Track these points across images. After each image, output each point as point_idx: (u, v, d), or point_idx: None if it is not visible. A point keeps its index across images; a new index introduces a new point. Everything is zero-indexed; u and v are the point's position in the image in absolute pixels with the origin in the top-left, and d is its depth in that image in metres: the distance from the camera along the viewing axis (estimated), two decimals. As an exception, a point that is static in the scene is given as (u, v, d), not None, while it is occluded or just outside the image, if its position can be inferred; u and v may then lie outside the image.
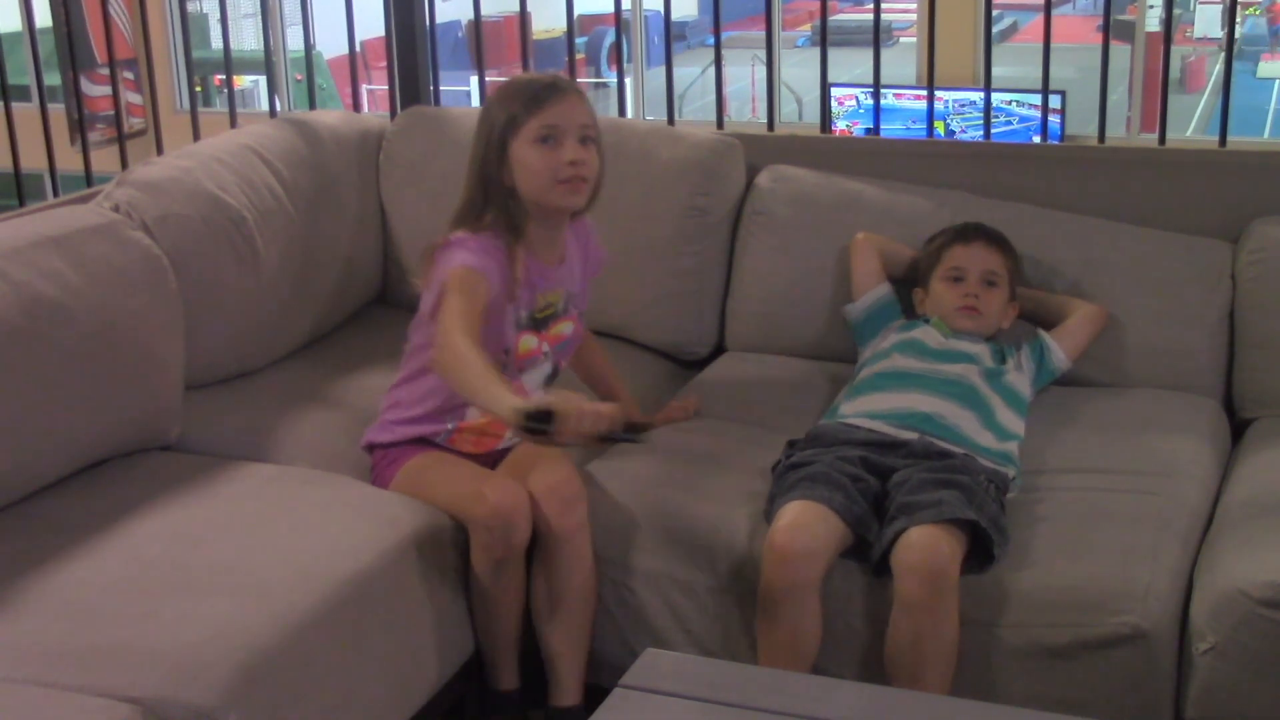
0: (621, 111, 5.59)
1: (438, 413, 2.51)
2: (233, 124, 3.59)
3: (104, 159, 3.69)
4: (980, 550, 2.23)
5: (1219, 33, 10.74)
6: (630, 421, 2.19)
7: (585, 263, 2.62)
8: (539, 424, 2.08)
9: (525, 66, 3.88)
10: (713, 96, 3.68)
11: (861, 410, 2.54)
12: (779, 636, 2.25)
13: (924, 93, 3.89)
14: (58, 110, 4.64)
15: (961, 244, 2.76)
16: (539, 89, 2.42)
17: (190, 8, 5.44)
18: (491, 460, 2.52)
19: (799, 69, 10.45)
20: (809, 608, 2.24)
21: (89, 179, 3.49)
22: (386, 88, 3.87)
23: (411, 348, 2.56)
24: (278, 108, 4.15)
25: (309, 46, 4.22)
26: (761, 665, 2.26)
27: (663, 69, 3.73)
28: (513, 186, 2.42)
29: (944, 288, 2.74)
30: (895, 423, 2.47)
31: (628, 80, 9.38)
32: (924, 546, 2.18)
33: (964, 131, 8.33)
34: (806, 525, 2.24)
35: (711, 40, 3.77)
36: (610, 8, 3.75)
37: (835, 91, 8.55)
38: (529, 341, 2.50)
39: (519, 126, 2.40)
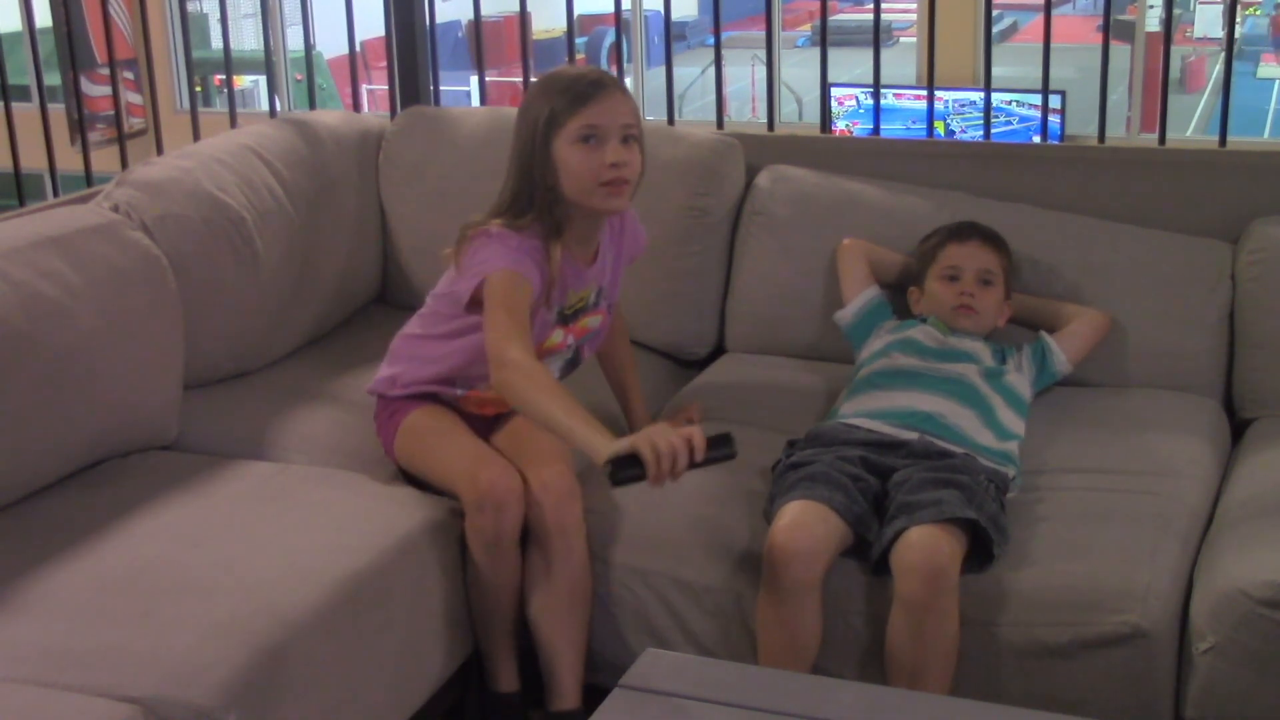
0: (621, 111, 5.58)
1: (449, 381, 2.51)
2: (233, 124, 3.59)
3: (104, 159, 3.69)
4: (980, 550, 2.23)
5: (1219, 33, 10.73)
6: (712, 436, 2.09)
7: (620, 251, 2.59)
8: (627, 471, 2.04)
9: (525, 66, 3.87)
10: (713, 96, 3.68)
11: (861, 410, 2.54)
12: (779, 636, 2.25)
13: (924, 93, 3.89)
14: (58, 110, 4.63)
15: (957, 242, 2.76)
16: (583, 86, 2.35)
17: (190, 8, 5.43)
18: (488, 426, 2.53)
19: (799, 69, 10.45)
20: (809, 608, 2.24)
21: (89, 179, 3.49)
22: (386, 88, 3.87)
23: (429, 311, 2.54)
24: (278, 108, 4.15)
25: (309, 46, 4.22)
26: (761, 665, 2.26)
27: (663, 69, 3.73)
28: (555, 185, 2.37)
29: (940, 286, 2.74)
30: (896, 422, 2.47)
31: (628, 80, 9.38)
32: (924, 546, 2.18)
33: (964, 131, 8.32)
34: (807, 525, 2.24)
35: (711, 40, 3.77)
36: (610, 8, 3.75)
37: (835, 91, 8.55)
38: (556, 336, 2.50)
39: (560, 125, 2.34)
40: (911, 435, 2.44)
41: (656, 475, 2.03)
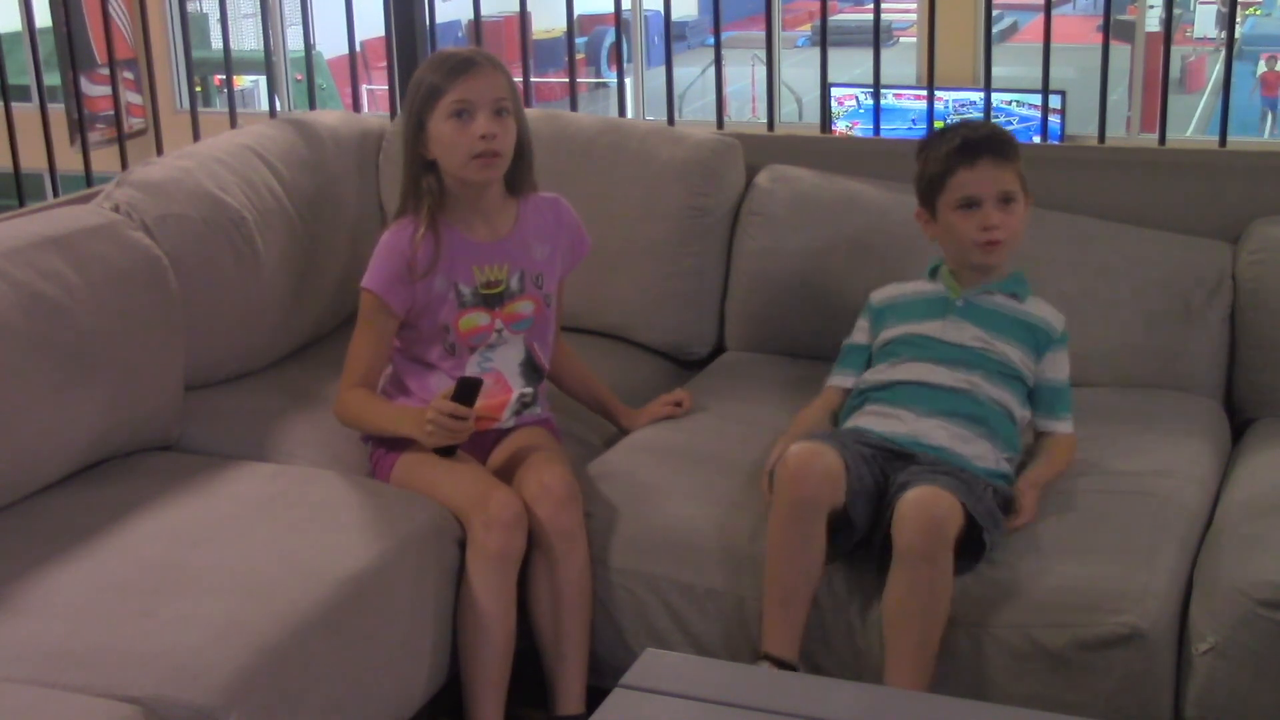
0: (621, 111, 5.58)
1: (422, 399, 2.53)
2: (233, 124, 3.59)
3: (104, 159, 3.69)
4: (973, 548, 2.23)
5: (1219, 32, 10.74)
6: (460, 380, 2.40)
7: (557, 245, 2.63)
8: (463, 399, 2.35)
9: (525, 66, 3.88)
10: (713, 96, 3.68)
11: (871, 427, 2.49)
12: (788, 558, 2.25)
13: (924, 93, 3.89)
14: (58, 110, 4.63)
15: (967, 167, 2.44)
16: (455, 62, 2.47)
17: (190, 8, 5.43)
18: (488, 441, 2.53)
19: (799, 69, 10.46)
20: (817, 531, 2.24)
21: (89, 179, 3.49)
22: (386, 88, 3.87)
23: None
24: (278, 108, 4.15)
25: (309, 46, 4.22)
26: (768, 592, 2.27)
27: (663, 69, 3.73)
28: (434, 160, 2.49)
29: (957, 219, 2.45)
30: (904, 446, 2.43)
31: (628, 80, 9.38)
32: (922, 500, 2.19)
33: (964, 131, 8.31)
34: (821, 453, 2.26)
35: (711, 40, 3.77)
36: (610, 8, 3.75)
37: (835, 91, 8.55)
38: (476, 319, 2.53)
39: (435, 102, 2.45)
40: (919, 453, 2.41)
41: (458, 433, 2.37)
